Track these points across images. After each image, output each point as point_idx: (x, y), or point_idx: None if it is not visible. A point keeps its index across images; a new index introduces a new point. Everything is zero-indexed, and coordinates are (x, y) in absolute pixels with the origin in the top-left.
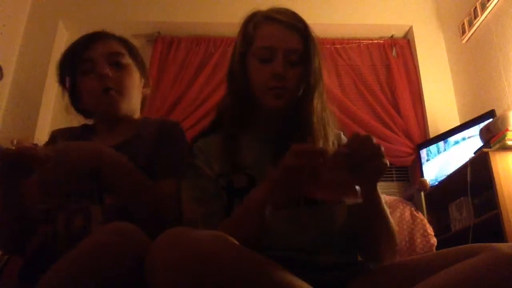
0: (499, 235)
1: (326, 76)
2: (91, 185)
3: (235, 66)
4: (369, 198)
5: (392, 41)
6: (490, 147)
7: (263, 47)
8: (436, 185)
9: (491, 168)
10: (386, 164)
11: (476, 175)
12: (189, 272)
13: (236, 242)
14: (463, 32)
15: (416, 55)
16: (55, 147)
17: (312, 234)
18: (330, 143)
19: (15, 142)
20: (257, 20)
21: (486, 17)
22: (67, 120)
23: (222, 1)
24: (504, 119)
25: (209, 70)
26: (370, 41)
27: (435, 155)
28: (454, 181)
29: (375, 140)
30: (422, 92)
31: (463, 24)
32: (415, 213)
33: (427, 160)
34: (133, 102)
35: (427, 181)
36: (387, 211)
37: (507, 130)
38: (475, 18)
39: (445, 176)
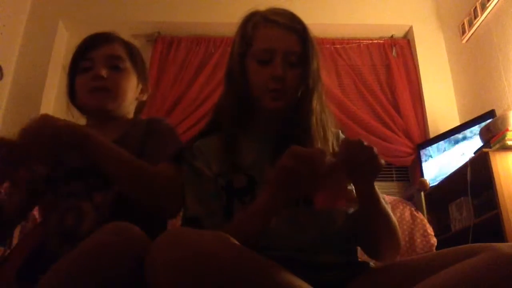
0: (499, 235)
1: (326, 76)
2: (75, 162)
3: (233, 67)
4: (367, 197)
5: (392, 41)
6: (490, 147)
7: (262, 49)
8: (436, 185)
9: (491, 168)
10: (382, 164)
11: (476, 175)
12: (189, 272)
13: (237, 242)
14: (463, 32)
15: (416, 55)
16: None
17: (312, 234)
18: (330, 144)
19: None
20: (256, 21)
21: (486, 17)
22: None
23: (222, 1)
24: (504, 119)
25: (209, 70)
26: (370, 41)
27: (435, 155)
28: (454, 181)
29: (366, 142)
30: (422, 92)
31: (463, 24)
32: (415, 213)
33: (427, 160)
34: (126, 104)
35: (427, 181)
36: (388, 209)
37: (507, 130)
38: (475, 18)
39: (445, 176)
